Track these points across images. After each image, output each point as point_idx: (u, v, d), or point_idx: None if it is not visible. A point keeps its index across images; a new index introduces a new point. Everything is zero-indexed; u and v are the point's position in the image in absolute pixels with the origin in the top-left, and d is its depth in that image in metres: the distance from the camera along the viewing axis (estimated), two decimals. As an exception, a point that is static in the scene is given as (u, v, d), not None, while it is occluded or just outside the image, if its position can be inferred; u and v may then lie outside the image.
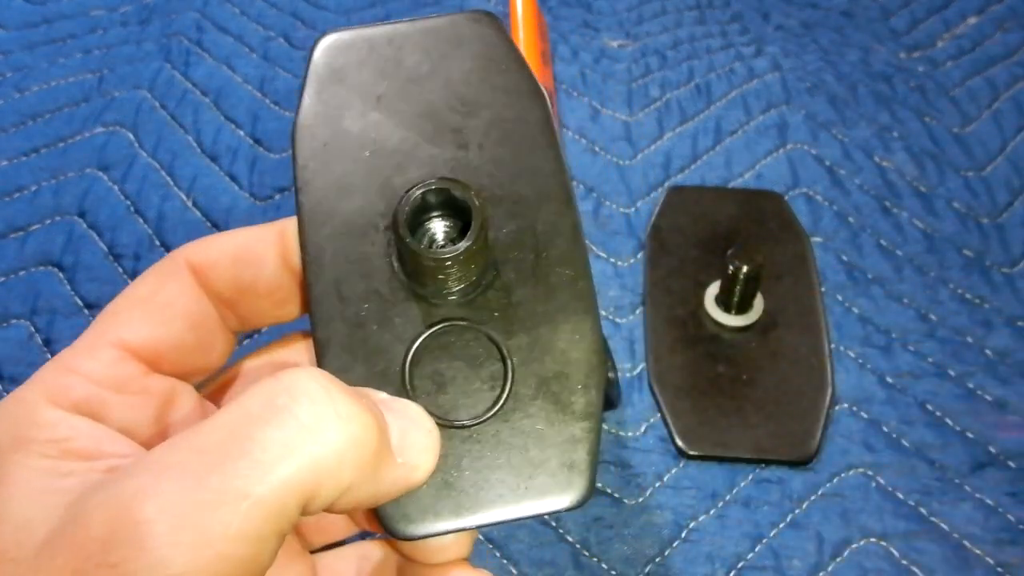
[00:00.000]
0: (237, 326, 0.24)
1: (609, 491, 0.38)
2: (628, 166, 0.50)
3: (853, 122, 0.52)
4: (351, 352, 0.21)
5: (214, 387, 0.25)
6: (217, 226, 0.48)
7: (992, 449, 0.39)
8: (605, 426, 0.40)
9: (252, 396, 0.18)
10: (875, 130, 0.52)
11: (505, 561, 0.36)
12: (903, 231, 0.47)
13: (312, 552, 0.26)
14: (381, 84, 0.23)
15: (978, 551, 0.36)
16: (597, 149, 0.51)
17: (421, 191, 0.21)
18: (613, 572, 0.36)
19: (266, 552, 0.17)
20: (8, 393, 0.43)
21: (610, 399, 0.37)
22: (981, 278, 0.45)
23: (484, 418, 0.21)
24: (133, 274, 0.46)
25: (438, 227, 0.22)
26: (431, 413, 0.20)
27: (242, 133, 0.53)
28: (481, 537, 0.37)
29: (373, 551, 0.25)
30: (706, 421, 0.39)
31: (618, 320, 0.44)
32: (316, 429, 0.17)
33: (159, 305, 0.22)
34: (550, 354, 0.21)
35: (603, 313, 0.44)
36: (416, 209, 0.21)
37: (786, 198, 0.48)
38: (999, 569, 0.36)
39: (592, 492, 0.21)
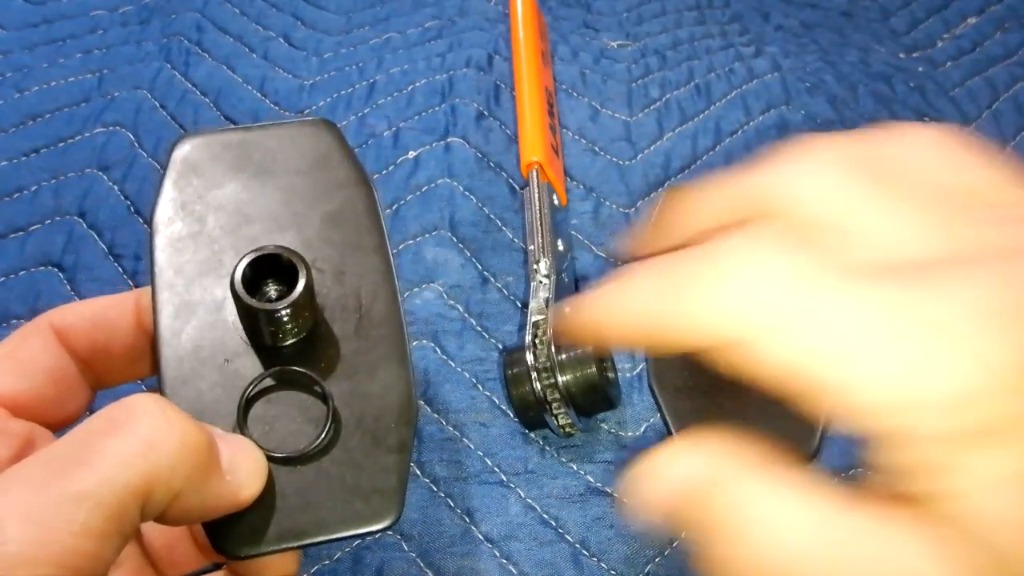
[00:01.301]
0: (95, 383, 0.27)
1: (609, 491, 0.38)
2: (628, 166, 0.50)
3: (853, 122, 0.53)
4: (191, 396, 0.24)
5: None
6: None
7: (992, 449, 0.39)
8: (605, 426, 0.40)
9: (95, 417, 0.20)
10: (875, 130, 0.52)
11: (504, 561, 0.36)
12: (903, 231, 0.47)
13: None
14: (232, 176, 0.27)
15: (978, 551, 0.36)
16: (597, 149, 0.51)
17: (256, 255, 0.24)
18: (613, 572, 0.36)
19: (108, 549, 0.19)
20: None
21: (610, 399, 0.38)
22: (981, 278, 0.45)
23: (307, 451, 0.24)
24: (133, 274, 0.46)
25: (272, 290, 0.25)
26: (261, 447, 0.23)
27: (242, 133, 0.53)
28: (480, 537, 0.37)
29: None
30: (706, 421, 0.39)
31: (618, 320, 0.44)
32: (151, 439, 0.20)
33: (20, 360, 0.25)
34: (368, 397, 0.25)
35: (603, 313, 0.44)
36: (252, 273, 0.24)
37: (786, 198, 0.48)
38: (999, 569, 0.36)
39: (400, 515, 0.24)
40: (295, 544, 0.23)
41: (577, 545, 0.37)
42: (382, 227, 0.27)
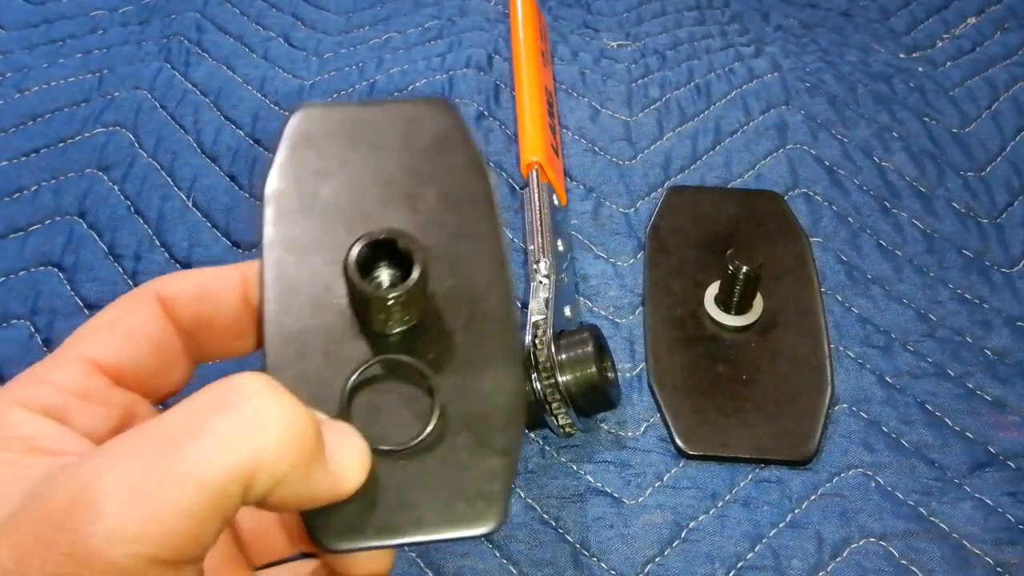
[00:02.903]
0: (198, 355, 0.27)
1: (609, 491, 0.38)
2: (628, 166, 0.50)
3: (853, 122, 0.53)
4: (296, 379, 0.23)
5: None
6: (216, 226, 0.48)
7: (992, 449, 0.39)
8: (605, 426, 0.40)
9: (204, 393, 0.19)
10: (875, 130, 0.52)
11: (505, 561, 0.36)
12: (903, 231, 0.47)
13: (255, 569, 0.28)
14: (348, 152, 0.26)
15: (977, 551, 0.36)
16: (597, 149, 0.51)
17: (372, 239, 0.23)
18: (613, 572, 0.36)
19: (209, 531, 0.19)
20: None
21: (610, 399, 0.38)
22: (980, 278, 0.45)
23: (410, 445, 0.23)
24: (133, 274, 0.46)
25: (385, 275, 0.24)
26: (364, 437, 0.22)
27: (242, 133, 0.53)
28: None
29: (308, 569, 0.27)
30: (706, 421, 0.39)
31: (618, 320, 0.44)
32: (258, 422, 0.19)
33: (126, 328, 0.24)
34: (476, 396, 0.23)
35: (603, 313, 0.44)
36: (366, 256, 0.23)
37: (786, 198, 0.48)
38: (998, 569, 0.36)
39: (504, 522, 0.22)
40: (392, 542, 0.22)
41: (577, 545, 0.37)
42: (498, 215, 0.26)
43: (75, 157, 0.52)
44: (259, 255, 0.25)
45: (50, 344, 0.44)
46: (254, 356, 0.26)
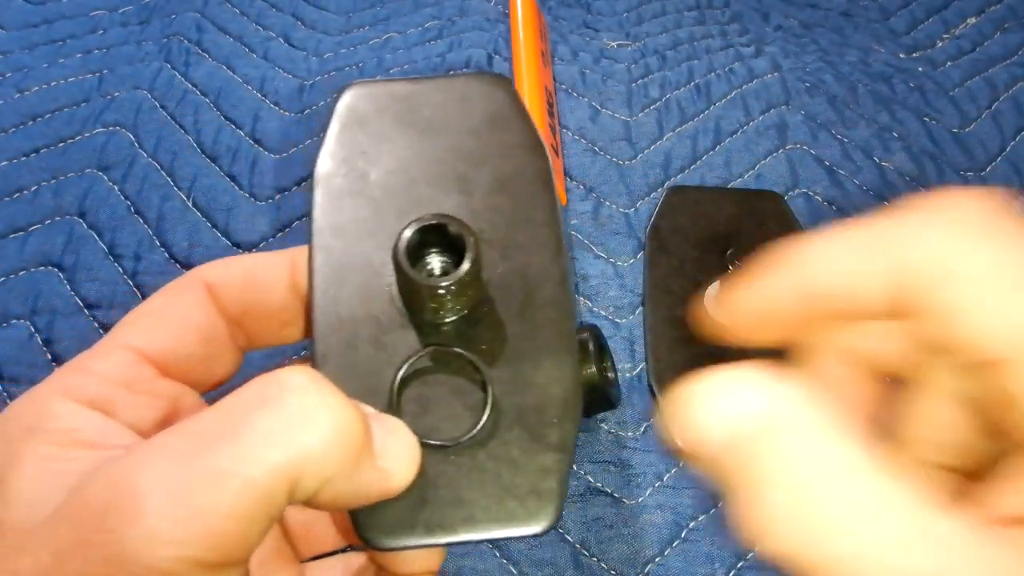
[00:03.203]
0: (245, 343, 0.26)
1: (609, 491, 0.38)
2: (628, 166, 0.50)
3: (853, 122, 0.53)
4: (344, 370, 0.22)
5: None
6: (216, 226, 0.48)
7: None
8: (605, 426, 0.40)
9: (247, 388, 0.19)
10: (875, 130, 0.52)
11: (505, 561, 0.36)
12: (903, 231, 0.47)
13: (302, 561, 0.27)
14: (397, 131, 0.25)
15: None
16: (597, 149, 0.51)
17: (421, 225, 0.22)
18: (613, 572, 0.36)
19: (253, 532, 0.18)
20: (8, 394, 0.43)
21: (610, 399, 0.38)
22: (981, 278, 0.45)
23: (462, 440, 0.22)
24: (133, 274, 0.46)
25: (436, 261, 0.23)
26: (413, 431, 0.21)
27: (242, 133, 0.53)
28: (481, 537, 0.37)
29: (357, 562, 0.27)
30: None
31: (618, 320, 0.44)
32: (305, 418, 0.18)
33: (172, 317, 0.24)
34: (530, 388, 0.22)
35: (603, 313, 0.44)
36: (416, 242, 0.22)
37: (786, 198, 0.48)
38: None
39: (558, 520, 0.22)
40: (443, 540, 0.21)
41: (577, 545, 0.37)
42: (555, 199, 0.24)
43: (75, 157, 0.52)
44: (308, 240, 0.24)
45: (50, 344, 0.44)
46: (301, 344, 0.25)
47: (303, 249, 0.24)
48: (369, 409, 0.21)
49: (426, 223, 0.22)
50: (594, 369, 0.36)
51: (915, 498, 0.14)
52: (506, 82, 0.26)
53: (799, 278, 0.18)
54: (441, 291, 0.22)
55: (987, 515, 0.16)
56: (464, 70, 0.55)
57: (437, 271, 0.23)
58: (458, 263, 0.22)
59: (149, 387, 0.22)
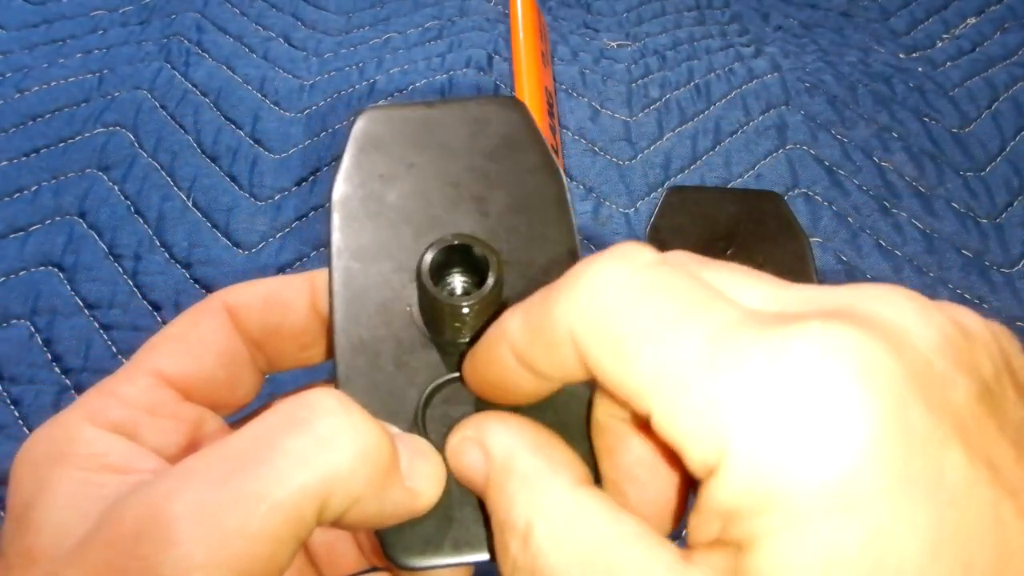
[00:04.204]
0: (266, 366, 0.26)
1: (609, 491, 0.38)
2: (628, 166, 0.50)
3: (852, 122, 0.53)
4: (368, 391, 0.23)
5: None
6: (216, 226, 0.48)
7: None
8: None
9: (274, 411, 0.19)
10: (874, 130, 0.52)
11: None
12: (902, 231, 0.47)
13: None
14: (414, 154, 0.26)
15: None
16: (597, 149, 0.51)
17: (445, 244, 0.22)
18: None
19: (283, 554, 0.18)
20: (8, 394, 0.43)
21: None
22: (980, 278, 0.45)
23: None
24: (133, 274, 0.46)
25: (457, 281, 0.24)
26: (438, 450, 0.22)
27: (242, 133, 0.53)
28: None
29: None
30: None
31: (618, 320, 0.44)
32: (332, 440, 0.18)
33: (194, 341, 0.24)
34: (551, 409, 0.23)
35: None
36: (439, 262, 0.23)
37: (785, 198, 0.48)
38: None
39: None
40: (470, 558, 0.21)
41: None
42: (571, 219, 0.25)
43: (75, 157, 0.52)
44: (327, 263, 0.24)
45: (50, 344, 0.44)
46: (324, 366, 0.25)
47: (322, 271, 0.25)
48: (394, 430, 0.21)
49: (450, 243, 0.22)
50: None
51: (621, 530, 0.18)
52: (519, 105, 0.27)
53: (503, 353, 0.20)
54: (464, 310, 0.22)
55: (692, 542, 0.18)
56: (465, 69, 0.55)
57: (459, 291, 0.24)
58: (479, 283, 0.22)
59: (172, 411, 0.23)
